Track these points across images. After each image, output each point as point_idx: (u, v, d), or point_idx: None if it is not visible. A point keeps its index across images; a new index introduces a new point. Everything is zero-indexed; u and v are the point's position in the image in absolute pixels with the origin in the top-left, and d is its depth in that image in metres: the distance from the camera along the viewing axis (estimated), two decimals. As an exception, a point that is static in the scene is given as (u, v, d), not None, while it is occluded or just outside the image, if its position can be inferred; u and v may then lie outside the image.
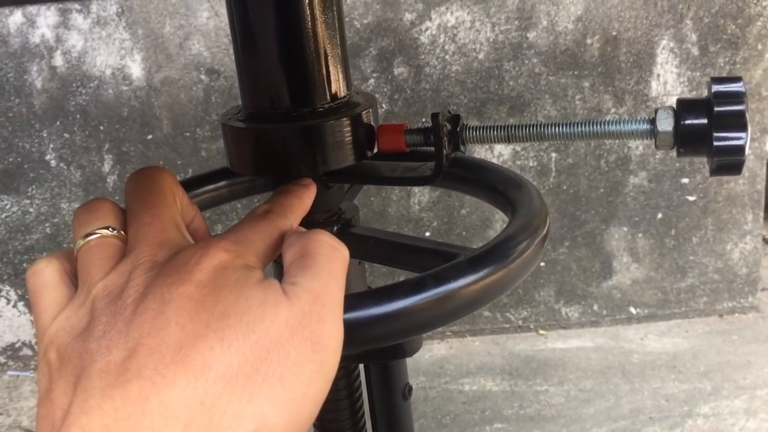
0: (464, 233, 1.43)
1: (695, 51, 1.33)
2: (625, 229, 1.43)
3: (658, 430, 1.18)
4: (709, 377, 1.29)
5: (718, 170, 0.44)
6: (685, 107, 0.45)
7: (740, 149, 0.43)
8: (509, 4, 1.31)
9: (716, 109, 0.42)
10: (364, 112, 0.51)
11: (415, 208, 1.42)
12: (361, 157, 0.51)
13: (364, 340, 0.43)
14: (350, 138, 0.51)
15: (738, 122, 0.42)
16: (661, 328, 1.46)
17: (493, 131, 0.50)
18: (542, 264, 1.45)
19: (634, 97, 1.35)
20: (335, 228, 0.54)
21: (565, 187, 1.40)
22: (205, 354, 0.27)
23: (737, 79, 0.43)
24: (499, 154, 1.38)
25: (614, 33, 1.32)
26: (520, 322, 1.49)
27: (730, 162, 0.43)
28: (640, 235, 1.43)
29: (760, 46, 1.32)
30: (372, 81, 1.35)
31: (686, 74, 1.33)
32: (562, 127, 0.48)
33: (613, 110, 1.35)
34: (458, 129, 0.49)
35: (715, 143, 0.42)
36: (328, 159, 0.50)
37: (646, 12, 1.31)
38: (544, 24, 1.32)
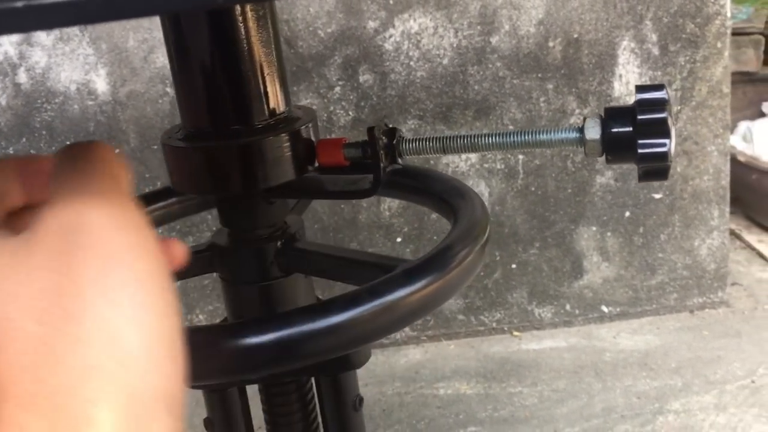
0: (435, 237, 1.44)
1: (656, 51, 1.34)
2: (594, 228, 1.44)
3: (629, 427, 1.18)
4: (680, 373, 1.31)
5: (645, 176, 0.45)
6: (611, 115, 0.45)
7: (664, 155, 0.43)
8: (471, 9, 1.31)
9: (639, 117, 0.43)
10: (303, 127, 0.52)
11: (386, 214, 1.43)
12: (302, 171, 0.52)
13: (303, 356, 0.43)
14: (290, 153, 0.51)
15: (660, 129, 0.43)
16: (633, 325, 1.47)
17: (429, 143, 0.50)
18: (514, 266, 1.46)
19: (597, 98, 1.36)
20: (279, 243, 0.54)
21: (533, 189, 1.41)
22: None
23: (660, 87, 0.44)
24: (466, 158, 1.39)
25: (575, 35, 1.33)
26: (494, 325, 1.50)
27: (655, 168, 0.44)
28: (609, 234, 1.45)
29: (719, 44, 1.34)
30: (338, 89, 1.35)
31: (648, 74, 1.35)
32: (495, 138, 0.48)
33: (577, 111, 1.37)
34: (395, 142, 0.50)
35: (640, 150, 0.43)
36: (269, 175, 0.51)
37: (606, 14, 1.32)
38: (506, 28, 1.32)
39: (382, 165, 0.49)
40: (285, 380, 0.57)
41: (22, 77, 1.36)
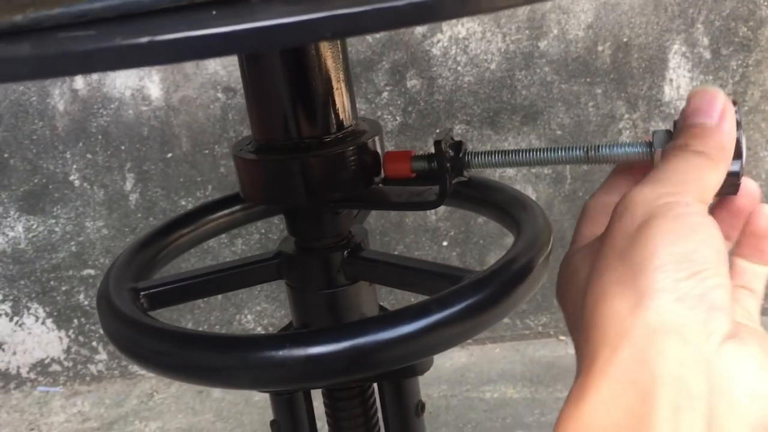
0: (481, 242, 1.44)
1: (707, 54, 1.32)
2: (643, 233, 1.43)
3: (679, 435, 1.18)
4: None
5: (719, 193, 0.45)
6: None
7: (736, 174, 0.44)
8: (519, 14, 1.32)
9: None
10: (370, 140, 0.53)
11: (432, 218, 1.44)
12: (368, 183, 0.53)
13: (373, 365, 0.45)
14: (357, 166, 0.52)
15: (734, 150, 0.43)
16: (682, 331, 1.46)
17: (495, 156, 0.51)
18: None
19: (647, 102, 1.35)
20: (345, 252, 0.55)
21: (580, 194, 1.41)
22: None
23: (732, 105, 0.44)
24: (513, 162, 1.39)
25: (625, 39, 1.32)
26: (540, 329, 1.50)
27: (727, 186, 0.44)
28: (657, 239, 1.43)
29: (773, 48, 1.32)
30: (385, 94, 1.37)
31: (699, 78, 1.33)
32: (562, 151, 0.49)
33: (626, 116, 1.36)
34: (461, 155, 0.51)
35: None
36: (336, 187, 0.52)
37: (656, 17, 1.31)
38: (554, 33, 1.32)
39: (448, 177, 0.50)
40: (349, 386, 0.58)
41: (80, 83, 1.40)
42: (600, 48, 1.33)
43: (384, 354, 0.43)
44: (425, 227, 1.44)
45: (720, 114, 0.40)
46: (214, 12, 0.30)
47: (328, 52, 0.51)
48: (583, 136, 1.37)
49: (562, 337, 1.49)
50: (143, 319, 0.48)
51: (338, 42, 0.52)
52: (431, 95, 1.37)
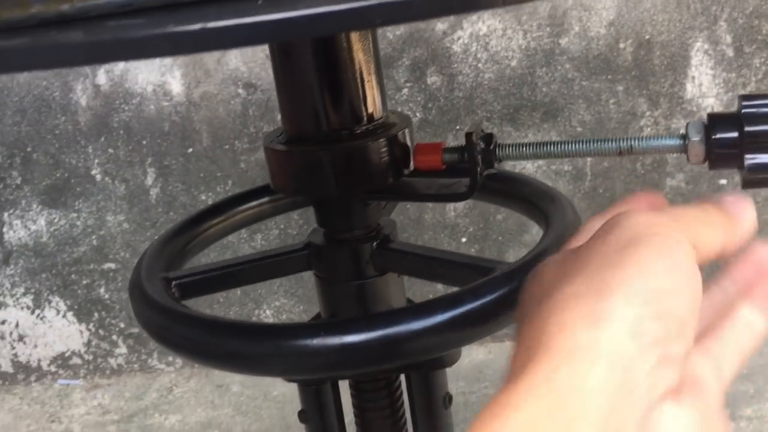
0: (500, 238, 1.44)
1: (730, 52, 1.32)
2: (663, 231, 1.42)
3: (699, 433, 1.17)
4: (751, 380, 1.28)
5: (749, 184, 0.45)
6: (716, 123, 0.46)
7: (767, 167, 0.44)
8: (541, 11, 1.31)
9: (747, 128, 0.43)
10: (400, 132, 0.53)
11: (451, 214, 1.44)
12: (398, 175, 0.54)
13: (406, 355, 0.45)
14: (387, 158, 0.53)
15: (768, 142, 0.43)
16: (702, 330, 1.45)
17: (525, 148, 0.51)
18: (579, 268, 1.45)
19: (669, 100, 1.34)
20: (374, 244, 0.56)
21: (601, 191, 1.40)
22: None
23: (766, 97, 0.44)
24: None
25: (647, 36, 1.32)
26: (558, 326, 1.50)
27: (762, 178, 0.44)
28: (677, 237, 1.43)
29: (797, 45, 1.31)
30: (406, 90, 1.37)
31: (722, 75, 1.33)
32: (595, 144, 0.49)
33: (648, 113, 1.35)
34: (492, 147, 0.51)
35: (747, 161, 0.43)
36: (366, 179, 0.52)
37: (679, 15, 1.30)
38: (576, 30, 1.32)
39: (479, 169, 0.50)
40: (376, 377, 0.59)
41: (102, 79, 1.41)
42: (621, 45, 1.32)
43: (417, 343, 0.44)
44: (444, 224, 1.44)
45: (744, 211, 0.39)
46: (259, 1, 0.30)
47: (358, 44, 0.52)
48: (604, 134, 1.36)
49: (580, 335, 1.49)
50: (177, 308, 0.49)
51: (369, 34, 0.53)
52: (451, 92, 1.37)
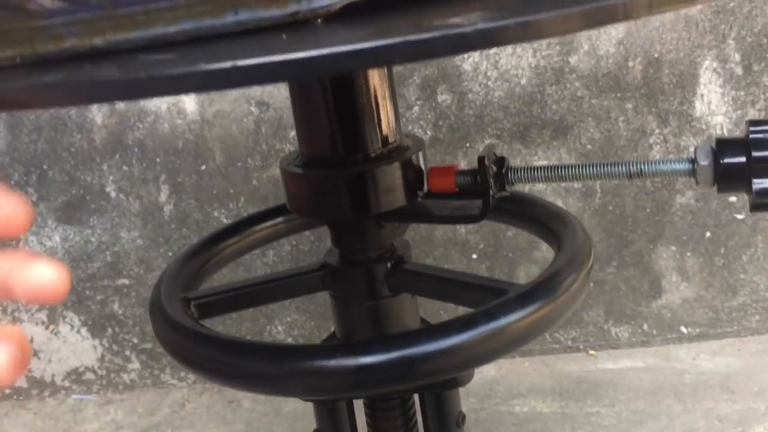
0: (510, 255, 1.45)
1: (739, 71, 1.33)
2: (674, 248, 1.43)
3: (711, 451, 1.17)
4: (762, 397, 1.28)
5: (757, 208, 0.46)
6: (724, 147, 0.47)
7: (766, 192, 0.45)
8: (550, 29, 1.33)
9: (754, 153, 0.44)
10: (414, 156, 0.54)
11: (462, 231, 1.45)
12: (412, 198, 0.55)
13: (421, 375, 0.46)
14: (401, 181, 0.54)
15: (775, 165, 0.44)
16: (713, 347, 1.45)
17: (537, 172, 0.52)
18: (591, 284, 1.46)
19: (678, 118, 1.35)
20: (388, 264, 0.57)
21: (610, 208, 1.41)
22: None
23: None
24: (543, 176, 1.40)
25: (656, 55, 1.33)
26: (570, 343, 1.50)
27: (759, 204, 0.45)
28: (688, 254, 1.43)
29: (805, 63, 1.32)
30: (416, 108, 1.38)
31: (730, 93, 1.33)
32: (606, 167, 0.50)
33: (657, 131, 1.36)
34: (504, 170, 0.52)
35: (755, 186, 0.44)
36: (381, 201, 0.54)
37: (687, 33, 1.32)
38: (585, 48, 1.33)
39: (491, 192, 0.52)
40: (391, 396, 0.60)
41: (117, 97, 1.43)
42: (631, 63, 1.34)
43: (433, 364, 0.44)
44: (454, 240, 1.45)
45: None
46: (284, 36, 0.31)
47: (374, 71, 0.53)
48: (614, 151, 1.37)
49: (591, 352, 1.49)
50: (197, 328, 0.50)
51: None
52: (461, 109, 1.38)
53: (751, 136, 0.45)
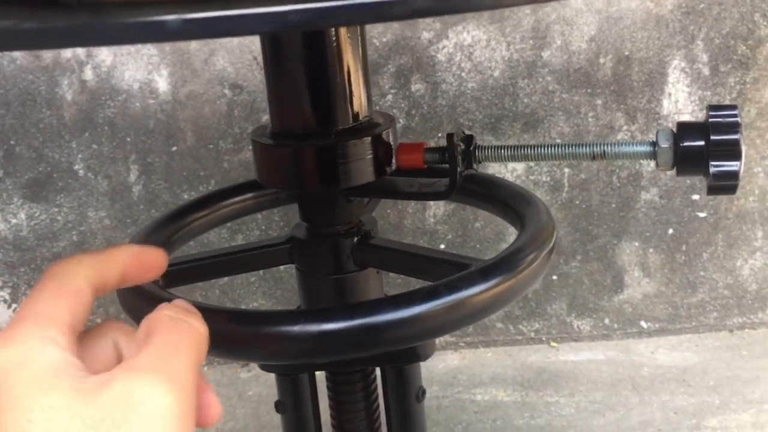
0: (478, 246, 1.47)
1: (706, 71, 1.36)
2: (637, 244, 1.46)
3: (666, 441, 1.20)
4: (717, 391, 1.31)
5: (713, 191, 0.48)
6: (684, 131, 0.48)
7: (735, 174, 0.46)
8: (524, 24, 1.34)
9: (713, 137, 0.46)
10: (384, 132, 0.55)
11: (431, 220, 1.46)
12: (381, 173, 0.55)
13: (383, 343, 0.47)
14: (371, 156, 0.54)
15: (733, 150, 0.46)
16: (672, 342, 1.48)
17: (504, 150, 0.53)
18: (554, 277, 1.48)
19: (645, 115, 1.38)
20: (355, 239, 0.57)
21: (577, 202, 1.43)
22: None
23: (733, 108, 0.47)
24: (513, 169, 1.41)
25: (627, 53, 1.35)
26: (533, 334, 1.52)
27: (726, 185, 0.47)
28: (651, 250, 1.46)
29: (770, 67, 1.35)
30: (390, 97, 1.39)
31: (697, 93, 1.36)
32: (570, 148, 0.51)
33: (625, 127, 1.39)
34: (471, 148, 0.53)
35: (712, 169, 0.46)
36: (350, 175, 0.54)
37: (658, 33, 1.34)
38: (558, 43, 1.35)
39: (459, 170, 0.52)
40: (352, 369, 0.60)
41: (89, 74, 1.41)
42: (602, 60, 1.36)
43: (394, 333, 0.45)
44: (423, 230, 1.46)
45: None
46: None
47: (347, 44, 0.53)
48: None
49: (554, 344, 1.51)
50: (162, 294, 0.50)
51: (358, 35, 0.55)
52: (435, 99, 1.39)
53: (710, 120, 0.46)
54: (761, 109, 1.37)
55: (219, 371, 1.53)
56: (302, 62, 0.53)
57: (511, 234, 1.45)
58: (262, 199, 0.69)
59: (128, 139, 1.44)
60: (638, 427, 1.24)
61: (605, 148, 0.50)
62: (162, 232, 0.62)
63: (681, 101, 1.37)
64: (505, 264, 0.50)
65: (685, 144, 0.47)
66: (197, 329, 0.36)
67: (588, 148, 0.50)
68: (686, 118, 1.38)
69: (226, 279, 1.53)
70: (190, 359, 0.34)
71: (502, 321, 1.52)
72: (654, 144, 0.48)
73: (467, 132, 0.55)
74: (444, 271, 0.52)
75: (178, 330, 0.35)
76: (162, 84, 1.41)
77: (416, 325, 0.46)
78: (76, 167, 1.46)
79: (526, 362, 1.46)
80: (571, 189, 1.43)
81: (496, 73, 1.38)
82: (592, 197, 1.43)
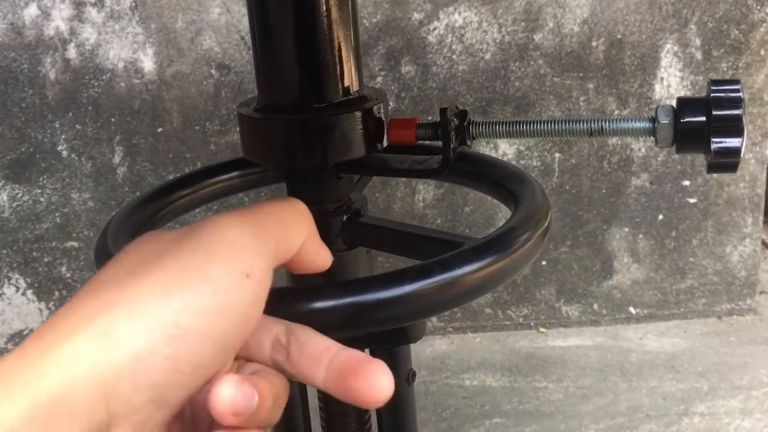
0: (467, 230, 1.45)
1: (699, 55, 1.34)
2: (627, 229, 1.45)
3: (654, 427, 1.19)
4: (706, 377, 1.31)
5: (714, 168, 0.46)
6: (684, 106, 0.47)
7: (737, 151, 0.45)
8: (516, 5, 1.33)
9: (714, 112, 0.44)
10: (375, 106, 0.53)
11: (420, 205, 1.44)
12: (371, 149, 0.54)
13: (373, 322, 0.45)
14: (361, 131, 0.53)
15: (735, 126, 0.44)
16: (660, 328, 1.48)
17: (499, 126, 0.52)
18: (543, 263, 1.47)
19: (637, 100, 1.37)
20: (344, 217, 0.56)
21: (567, 187, 1.42)
22: None
23: (735, 82, 0.46)
24: (503, 153, 1.40)
25: (619, 36, 1.34)
26: (521, 320, 1.51)
27: (727, 162, 0.45)
28: (641, 236, 1.45)
29: (762, 52, 1.34)
30: (380, 79, 1.37)
31: (689, 78, 1.35)
32: (567, 124, 0.50)
33: (616, 112, 1.37)
34: (465, 124, 0.52)
35: (713, 145, 0.44)
36: (340, 151, 0.52)
37: (651, 16, 1.33)
38: (550, 26, 1.34)
39: (452, 146, 0.51)
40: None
41: (72, 53, 1.38)
42: (594, 43, 1.34)
43: (385, 311, 0.44)
44: (412, 214, 1.45)
45: None
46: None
47: (337, 15, 0.52)
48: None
49: (542, 329, 1.50)
50: (144, 271, 0.48)
51: (349, 8, 0.53)
52: (425, 82, 1.37)
53: (712, 95, 0.45)
54: (753, 94, 1.36)
55: (205, 356, 1.51)
56: (291, 32, 0.51)
57: (502, 218, 1.44)
58: (248, 178, 0.67)
59: (113, 120, 1.41)
60: (626, 413, 1.23)
61: (603, 124, 0.48)
62: (145, 209, 0.60)
63: (673, 86, 1.36)
64: (499, 243, 0.49)
65: (686, 120, 0.45)
66: (294, 204, 0.40)
67: (585, 124, 0.49)
68: (678, 103, 1.37)
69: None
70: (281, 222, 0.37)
71: (491, 306, 1.51)
72: (653, 120, 0.46)
73: (461, 107, 0.53)
74: (436, 250, 0.51)
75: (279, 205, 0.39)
76: (147, 63, 1.39)
77: (407, 303, 0.45)
78: (60, 148, 1.43)
79: (514, 348, 1.46)
80: (562, 174, 1.42)
81: (488, 56, 1.36)
82: (582, 182, 1.42)
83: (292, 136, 0.52)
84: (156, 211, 0.61)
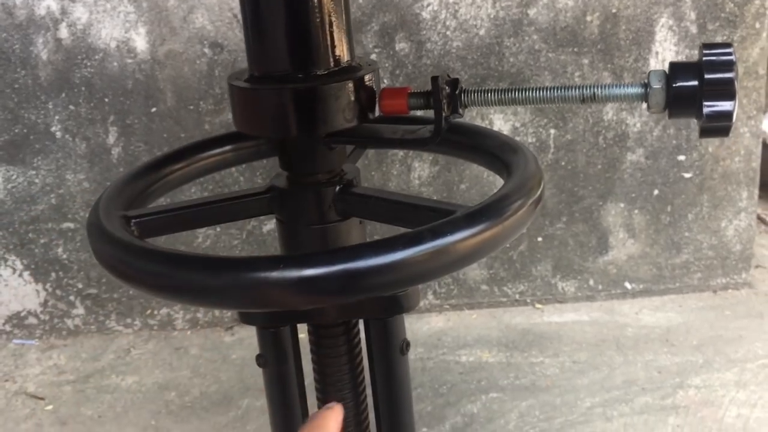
0: (463, 208, 1.45)
1: (693, 29, 1.34)
2: (622, 205, 1.45)
3: (650, 400, 1.20)
4: (701, 350, 1.32)
5: (706, 133, 0.46)
6: (677, 71, 0.47)
7: (729, 114, 0.45)
8: (510, -20, 1.32)
9: (707, 76, 0.44)
10: (366, 76, 0.53)
11: (415, 182, 1.44)
12: (363, 119, 0.54)
13: (365, 289, 0.45)
14: (352, 100, 0.53)
15: (727, 90, 0.44)
16: (656, 303, 1.49)
17: (491, 94, 0.51)
18: (539, 239, 1.47)
19: (632, 75, 1.36)
20: (337, 188, 0.56)
21: (563, 163, 1.42)
22: None
23: (727, 46, 0.45)
24: (498, 129, 1.40)
25: (614, 10, 1.33)
26: (517, 296, 1.52)
27: (719, 126, 0.45)
28: (636, 211, 1.46)
29: (757, 25, 1.34)
30: (374, 56, 1.36)
31: (684, 52, 1.35)
32: (559, 91, 0.50)
33: (611, 87, 1.37)
34: (457, 92, 0.51)
35: (706, 109, 0.44)
36: (330, 120, 0.52)
37: (645, -10, 1.32)
38: (544, 1, 1.33)
39: (444, 114, 0.51)
40: (335, 322, 0.59)
41: (64, 33, 1.37)
42: (588, 18, 1.34)
43: (377, 278, 0.44)
44: (408, 191, 1.45)
45: None
46: None
47: (328, -16, 0.51)
48: (568, 107, 1.38)
49: (538, 305, 1.51)
50: (136, 242, 0.48)
51: (339, -24, 0.52)
52: (419, 59, 1.37)
53: (704, 59, 0.45)
54: (748, 68, 1.36)
55: (203, 335, 1.52)
56: (281, 1, 0.51)
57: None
58: (242, 152, 0.67)
59: (106, 100, 1.41)
60: (622, 386, 1.24)
61: (595, 90, 0.48)
62: (137, 183, 0.60)
63: (668, 60, 1.35)
64: (491, 210, 0.49)
65: (678, 84, 0.45)
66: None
67: (578, 90, 0.48)
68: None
69: (208, 242, 1.51)
70: None
71: (487, 283, 1.51)
72: (646, 85, 0.46)
73: (453, 75, 0.53)
74: (429, 218, 0.51)
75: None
76: (140, 43, 1.38)
77: (399, 270, 0.45)
78: (53, 129, 1.42)
79: (510, 324, 1.46)
80: (557, 150, 1.42)
81: (482, 32, 1.35)
82: (577, 158, 1.42)
83: (283, 105, 0.51)
84: (148, 185, 0.61)
